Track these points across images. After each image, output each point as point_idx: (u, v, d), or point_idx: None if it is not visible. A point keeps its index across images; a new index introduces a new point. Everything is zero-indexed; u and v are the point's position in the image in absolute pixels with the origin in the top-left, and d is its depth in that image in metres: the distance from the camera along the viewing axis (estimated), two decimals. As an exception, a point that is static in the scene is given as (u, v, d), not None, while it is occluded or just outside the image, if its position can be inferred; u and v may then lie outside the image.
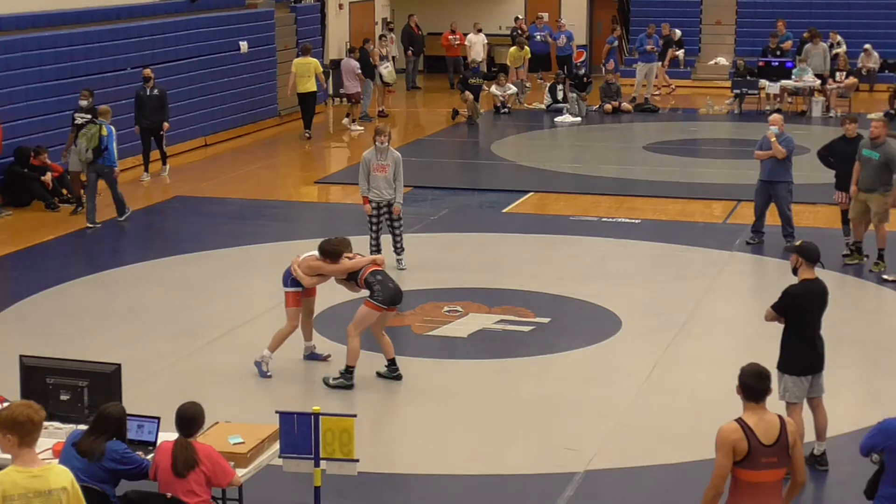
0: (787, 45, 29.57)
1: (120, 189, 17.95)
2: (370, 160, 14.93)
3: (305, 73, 24.81)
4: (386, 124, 15.40)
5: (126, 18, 23.54)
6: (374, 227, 15.18)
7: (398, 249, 15.31)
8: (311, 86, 24.90)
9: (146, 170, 21.05)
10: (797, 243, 9.70)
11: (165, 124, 20.95)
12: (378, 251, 14.97)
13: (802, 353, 9.40)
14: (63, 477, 6.18)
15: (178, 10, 25.29)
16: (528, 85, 30.84)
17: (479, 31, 31.91)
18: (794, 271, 9.56)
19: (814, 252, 9.50)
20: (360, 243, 16.93)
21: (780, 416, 7.10)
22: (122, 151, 20.01)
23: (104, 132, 17.46)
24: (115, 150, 17.74)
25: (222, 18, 25.80)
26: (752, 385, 7.06)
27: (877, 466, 7.53)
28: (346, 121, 26.40)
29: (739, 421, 7.00)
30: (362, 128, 26.06)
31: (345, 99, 27.10)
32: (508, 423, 10.78)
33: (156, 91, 20.87)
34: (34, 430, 6.10)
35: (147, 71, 21.14)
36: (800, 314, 9.41)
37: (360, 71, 26.25)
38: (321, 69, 25.51)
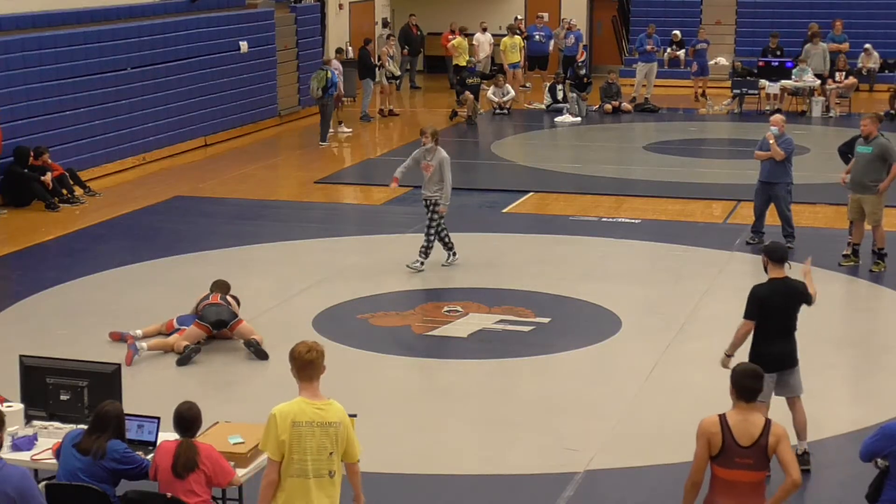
0: (845, 46, 29.64)
1: None
2: (419, 158, 15.30)
3: None
4: (429, 125, 15.62)
5: (126, 18, 23.51)
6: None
7: (423, 252, 15.27)
8: None
9: None
10: (765, 243, 9.73)
11: None
12: (430, 249, 15.21)
13: (763, 352, 9.38)
14: (340, 413, 6.94)
15: (178, 10, 25.27)
16: (527, 85, 30.71)
17: (485, 30, 31.88)
18: (766, 269, 9.60)
19: (778, 251, 9.57)
20: (359, 244, 16.97)
21: (767, 420, 7.11)
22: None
23: (329, 76, 24.04)
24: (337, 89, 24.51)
25: (222, 18, 25.78)
26: (742, 383, 7.13)
27: (879, 470, 7.48)
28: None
29: (721, 416, 7.11)
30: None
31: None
32: (508, 423, 10.78)
33: None
34: (308, 367, 6.97)
35: None
36: (766, 314, 9.41)
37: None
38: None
